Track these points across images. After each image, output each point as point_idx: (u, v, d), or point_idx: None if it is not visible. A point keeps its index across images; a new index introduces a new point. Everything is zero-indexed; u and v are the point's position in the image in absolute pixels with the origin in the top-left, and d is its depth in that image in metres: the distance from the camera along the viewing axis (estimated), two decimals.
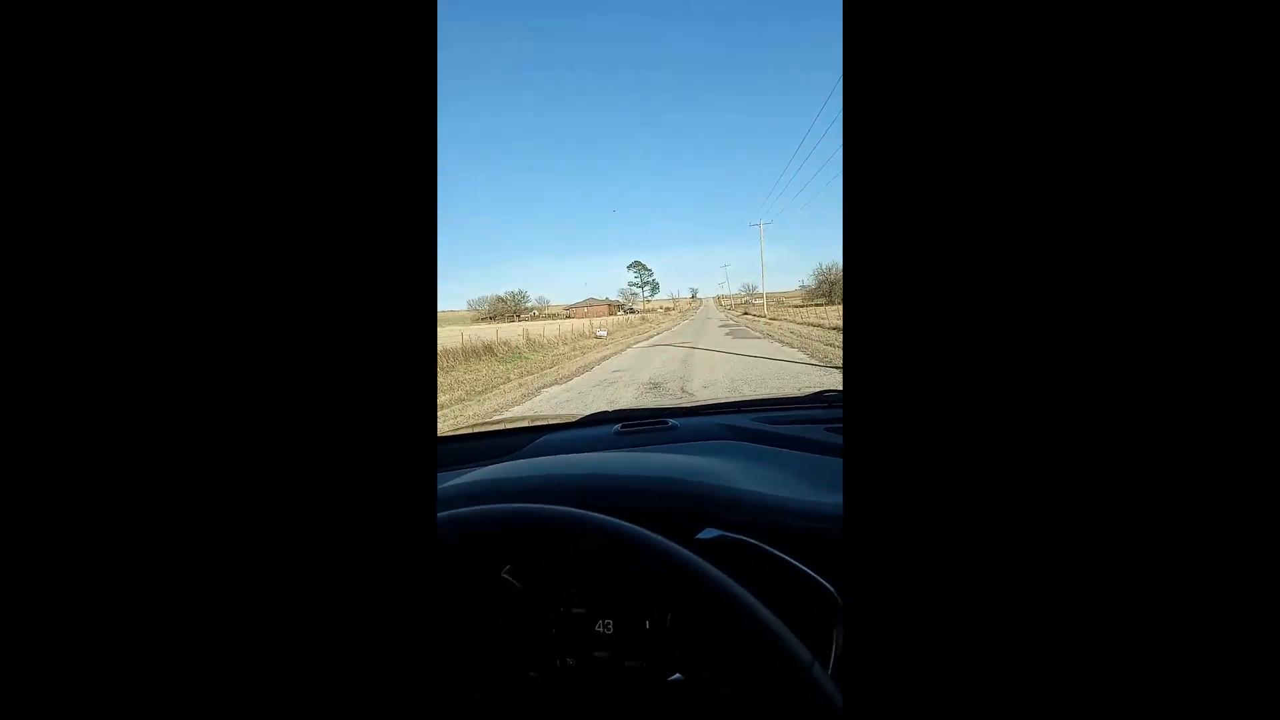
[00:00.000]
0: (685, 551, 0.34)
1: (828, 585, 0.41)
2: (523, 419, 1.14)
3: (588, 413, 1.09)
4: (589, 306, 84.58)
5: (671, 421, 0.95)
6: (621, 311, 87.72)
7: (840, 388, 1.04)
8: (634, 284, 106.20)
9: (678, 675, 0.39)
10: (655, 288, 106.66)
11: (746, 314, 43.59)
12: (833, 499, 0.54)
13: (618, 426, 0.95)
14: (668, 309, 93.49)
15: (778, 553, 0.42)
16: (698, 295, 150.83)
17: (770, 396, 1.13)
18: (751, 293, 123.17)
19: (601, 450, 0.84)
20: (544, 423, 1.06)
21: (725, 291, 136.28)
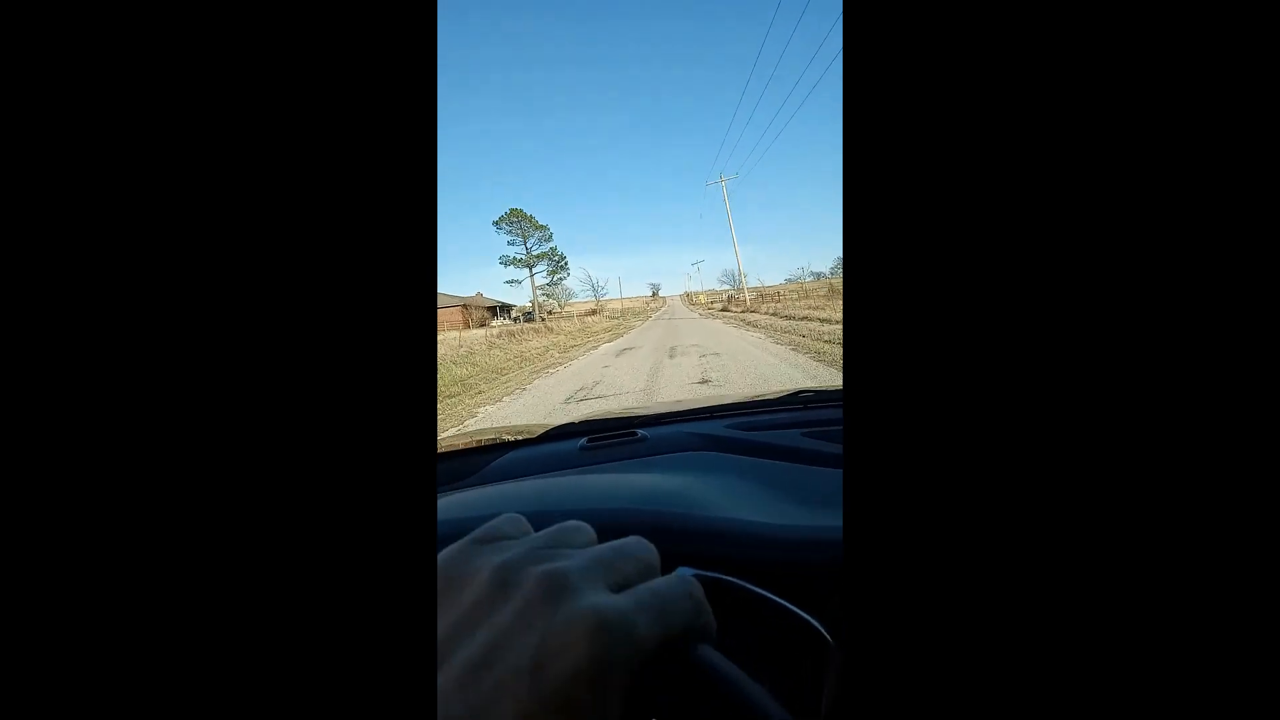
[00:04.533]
0: None
1: (815, 624, 0.39)
2: (487, 432, 1.08)
3: (553, 424, 1.03)
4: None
5: (641, 432, 0.91)
6: (503, 318, 46.69)
7: (813, 388, 1.08)
8: (511, 261, 42.82)
9: None
10: (559, 266, 45.61)
11: None
12: (816, 520, 0.52)
13: (584, 441, 0.91)
14: (591, 312, 50.66)
15: (760, 590, 0.40)
16: (659, 293, 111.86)
17: (743, 400, 1.08)
18: (738, 287, 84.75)
19: (568, 468, 0.81)
20: (507, 438, 1.00)
21: (695, 287, 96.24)
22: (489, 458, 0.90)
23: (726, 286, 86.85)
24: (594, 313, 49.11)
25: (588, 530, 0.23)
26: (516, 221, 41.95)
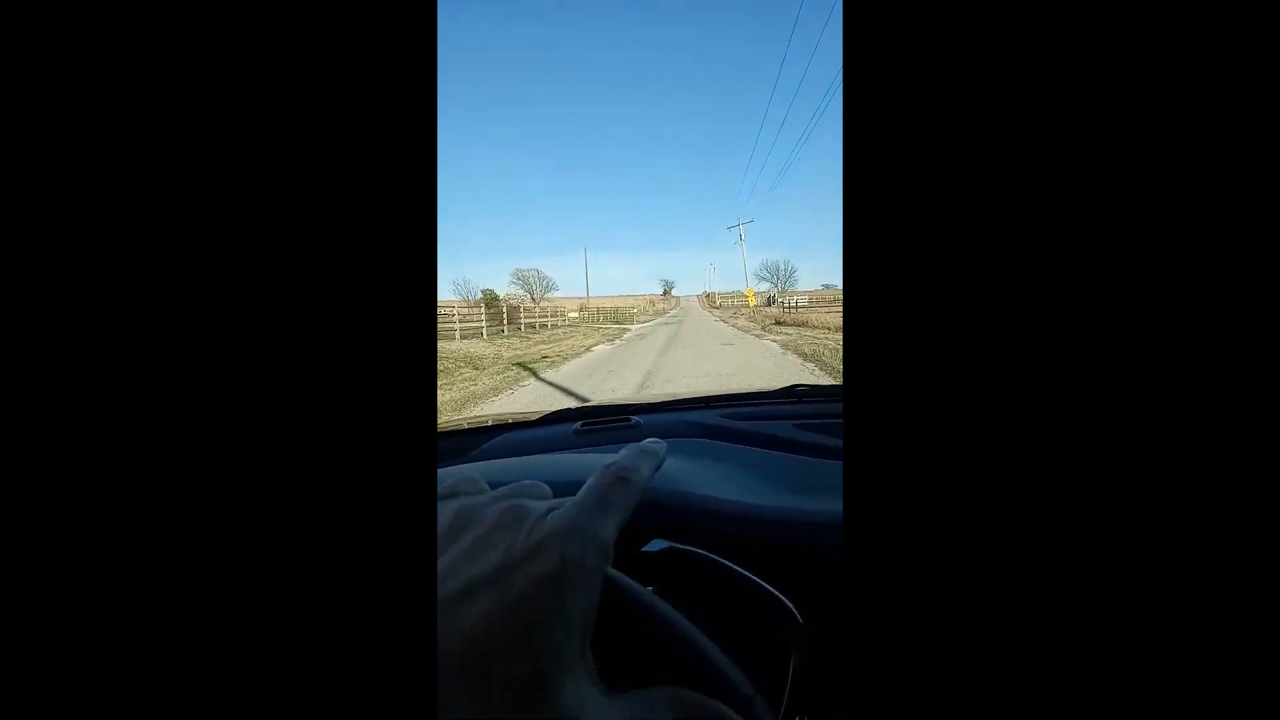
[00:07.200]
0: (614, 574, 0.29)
1: (787, 602, 0.39)
2: (486, 417, 1.10)
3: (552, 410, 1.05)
4: None
5: (635, 419, 0.92)
6: None
7: (809, 383, 1.11)
8: None
9: None
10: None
11: None
12: (799, 503, 0.52)
13: (577, 425, 0.92)
14: (489, 306, 19.80)
15: (734, 567, 0.40)
16: (672, 292, 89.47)
17: (740, 391, 1.09)
18: (785, 288, 61.84)
19: (560, 451, 0.82)
20: (503, 421, 1.02)
21: (713, 287, 73.81)
22: (485, 438, 0.91)
23: (766, 285, 63.97)
24: (515, 312, 20.17)
25: (544, 488, 0.23)
26: None
